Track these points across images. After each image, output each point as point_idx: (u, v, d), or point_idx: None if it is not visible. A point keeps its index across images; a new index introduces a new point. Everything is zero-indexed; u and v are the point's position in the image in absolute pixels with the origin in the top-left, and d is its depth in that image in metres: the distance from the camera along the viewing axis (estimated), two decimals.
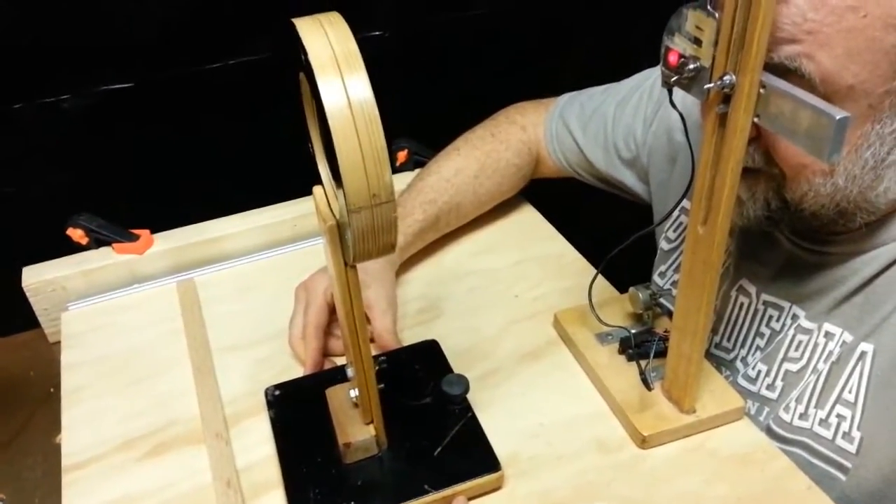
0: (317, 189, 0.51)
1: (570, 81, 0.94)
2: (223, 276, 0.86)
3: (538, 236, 0.90)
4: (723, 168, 0.49)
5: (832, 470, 0.60)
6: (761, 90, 0.47)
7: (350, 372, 0.58)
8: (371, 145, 0.39)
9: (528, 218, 0.93)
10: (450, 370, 0.68)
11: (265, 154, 1.02)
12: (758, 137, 0.54)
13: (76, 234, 0.83)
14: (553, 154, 0.87)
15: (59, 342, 0.84)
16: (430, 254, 0.87)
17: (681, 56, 0.51)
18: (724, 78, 0.48)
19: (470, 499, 0.59)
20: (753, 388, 0.66)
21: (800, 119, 0.43)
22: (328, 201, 0.50)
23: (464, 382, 0.64)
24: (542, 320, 0.76)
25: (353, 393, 0.60)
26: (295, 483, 0.59)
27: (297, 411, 0.65)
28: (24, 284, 0.81)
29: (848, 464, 0.59)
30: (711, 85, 0.49)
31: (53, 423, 0.75)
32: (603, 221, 1.00)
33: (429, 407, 0.65)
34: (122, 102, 1.01)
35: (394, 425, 0.61)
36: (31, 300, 0.82)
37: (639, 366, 0.62)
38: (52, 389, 0.79)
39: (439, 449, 0.61)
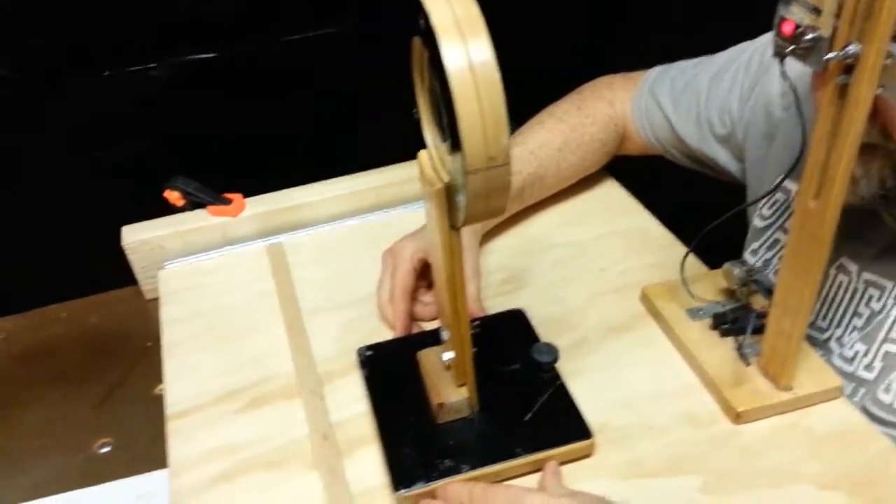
0: (422, 153, 0.51)
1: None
2: (308, 241, 0.88)
3: (622, 210, 0.89)
4: (840, 142, 0.48)
5: None
6: (887, 61, 0.45)
7: (445, 335, 0.60)
8: (491, 108, 0.40)
9: (612, 192, 0.92)
10: (536, 339, 0.68)
11: (348, 125, 1.04)
12: (875, 112, 0.52)
13: (173, 196, 0.86)
14: (641, 130, 0.86)
15: (154, 299, 0.88)
16: (513, 225, 0.87)
17: (797, 26, 0.50)
18: (848, 48, 0.46)
19: (560, 464, 0.59)
20: (850, 369, 0.65)
21: None
22: (434, 166, 0.50)
23: (553, 351, 0.65)
24: (629, 295, 0.76)
25: (447, 356, 0.61)
26: (391, 439, 0.61)
27: (389, 372, 0.67)
28: (123, 243, 0.85)
29: None
30: (832, 55, 0.47)
31: (152, 376, 0.79)
32: (683, 198, 0.99)
33: (518, 373, 0.65)
34: (210, 72, 1.04)
35: (484, 389, 0.62)
36: (130, 258, 0.86)
37: (736, 340, 0.62)
38: (148, 344, 0.83)
39: (529, 414, 0.61)
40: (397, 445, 0.60)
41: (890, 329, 0.62)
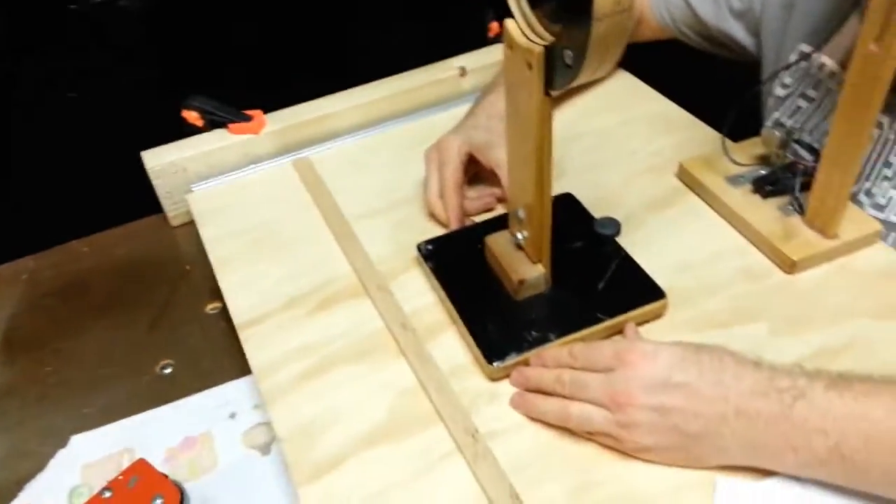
0: (509, 22, 0.52)
1: None
2: (335, 153, 0.88)
3: (640, 97, 0.91)
4: None
5: None
6: None
7: (521, 213, 0.61)
8: None
9: (626, 81, 0.94)
10: (592, 217, 0.71)
11: (359, 33, 1.02)
12: None
13: (191, 115, 0.83)
14: (657, 11, 0.87)
15: (181, 225, 0.87)
16: None
17: None
18: None
19: (637, 325, 0.63)
20: (881, 216, 0.70)
21: None
22: (524, 33, 0.51)
23: (616, 224, 0.67)
24: (664, 172, 0.79)
25: (520, 235, 0.63)
26: (474, 319, 0.62)
27: (453, 262, 0.68)
28: (147, 167, 0.82)
29: None
30: None
31: (200, 296, 0.78)
32: (690, 84, 1.01)
33: (582, 249, 0.68)
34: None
35: (555, 267, 0.64)
36: (155, 183, 0.83)
37: (792, 192, 0.65)
38: (187, 267, 0.82)
39: (602, 284, 0.64)
40: (482, 324, 0.62)
41: None
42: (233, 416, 0.66)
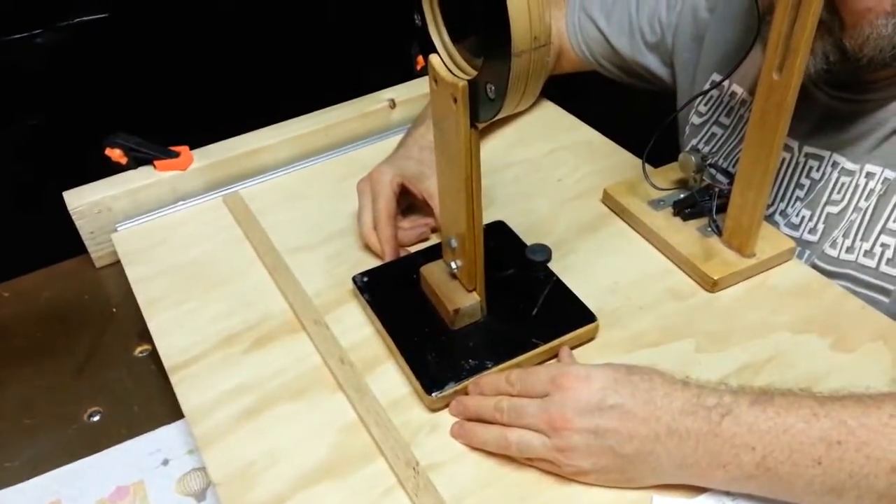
0: (433, 57, 0.53)
1: None
2: (267, 188, 0.87)
3: (563, 127, 0.94)
4: (804, 10, 0.54)
5: (876, 295, 0.68)
6: None
7: (454, 242, 0.62)
8: None
9: (550, 112, 0.97)
10: (523, 244, 0.72)
11: (286, 66, 1.01)
12: None
13: (115, 153, 0.81)
14: (576, 46, 0.91)
15: (106, 266, 0.85)
16: None
17: None
18: None
19: (572, 348, 0.64)
20: (796, 234, 0.74)
21: None
22: (448, 67, 0.52)
23: (546, 250, 0.69)
24: (590, 198, 0.81)
25: (454, 265, 0.63)
26: (410, 350, 0.62)
27: (389, 293, 0.68)
28: (70, 208, 0.80)
29: (891, 286, 0.67)
30: None
31: (127, 338, 0.76)
32: (609, 113, 1.05)
33: (515, 276, 0.69)
34: (102, 32, 0.98)
35: (489, 294, 0.65)
36: (78, 224, 0.81)
37: (709, 215, 0.68)
38: (113, 309, 0.80)
39: (536, 309, 0.65)
40: (419, 355, 0.62)
41: (830, 192, 0.71)
42: (166, 462, 0.64)
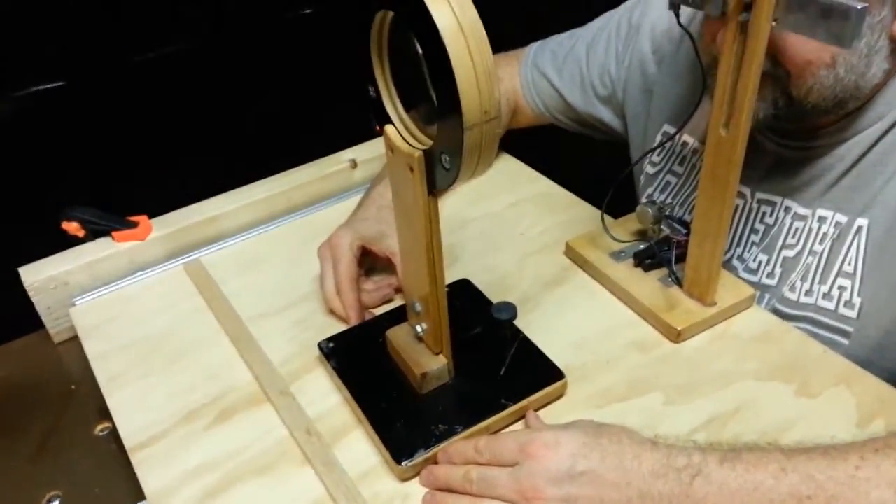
0: (389, 128, 0.53)
1: None
2: (227, 254, 0.86)
3: (523, 180, 0.95)
4: (745, 72, 0.56)
5: (836, 337, 0.69)
6: None
7: (418, 306, 0.62)
8: (482, 63, 0.43)
9: (509, 165, 0.98)
10: (489, 302, 0.72)
11: (244, 131, 1.02)
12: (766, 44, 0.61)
13: (72, 227, 0.80)
14: (531, 101, 0.92)
15: (64, 342, 0.82)
16: None
17: None
18: None
19: (538, 408, 0.64)
20: (755, 279, 0.75)
21: (821, 15, 0.50)
22: (404, 137, 0.53)
23: (512, 308, 0.68)
24: (553, 251, 0.82)
25: (419, 328, 0.63)
26: (379, 419, 0.62)
27: (355, 358, 0.68)
28: (25, 284, 0.78)
29: (850, 328, 0.69)
30: None
31: (86, 417, 0.74)
32: (569, 163, 1.07)
33: (481, 336, 0.69)
34: (58, 101, 0.97)
35: (456, 356, 0.64)
36: (34, 300, 0.79)
37: (668, 266, 0.69)
38: (72, 387, 0.78)
39: (504, 369, 0.65)
40: (387, 422, 0.61)
41: (785, 236, 0.72)
42: None
